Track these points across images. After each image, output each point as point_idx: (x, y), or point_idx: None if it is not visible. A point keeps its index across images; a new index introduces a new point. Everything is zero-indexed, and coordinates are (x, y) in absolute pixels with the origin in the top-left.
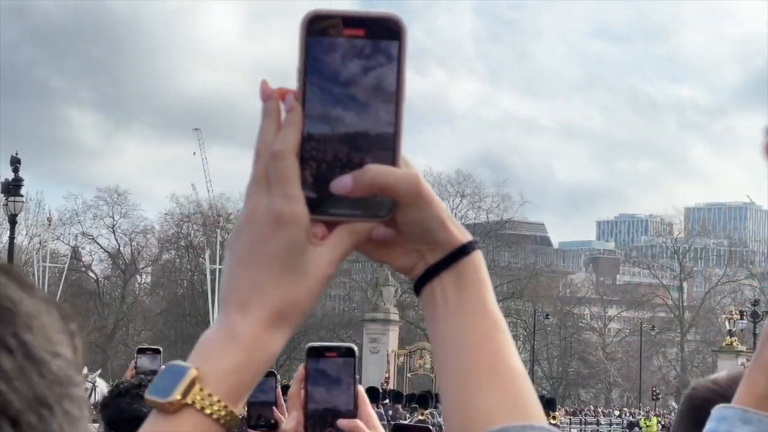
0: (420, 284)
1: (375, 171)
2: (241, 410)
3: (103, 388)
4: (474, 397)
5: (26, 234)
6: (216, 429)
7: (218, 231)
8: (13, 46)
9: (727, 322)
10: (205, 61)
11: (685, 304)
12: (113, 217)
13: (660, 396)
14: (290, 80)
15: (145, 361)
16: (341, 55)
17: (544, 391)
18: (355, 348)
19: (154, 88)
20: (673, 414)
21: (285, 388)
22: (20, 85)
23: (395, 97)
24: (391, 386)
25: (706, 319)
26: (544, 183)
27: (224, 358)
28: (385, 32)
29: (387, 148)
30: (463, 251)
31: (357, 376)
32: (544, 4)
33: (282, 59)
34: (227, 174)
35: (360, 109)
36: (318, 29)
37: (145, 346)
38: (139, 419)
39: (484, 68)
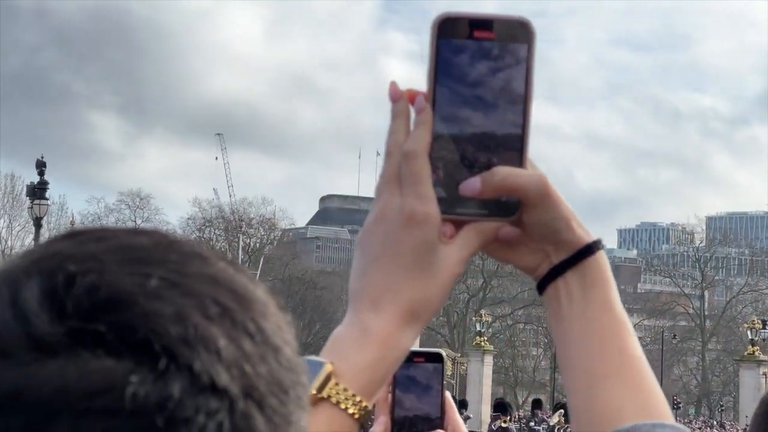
0: (544, 283)
1: (504, 173)
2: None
3: None
4: (602, 396)
5: (49, 236)
6: (350, 423)
7: (240, 236)
8: (34, 50)
9: (749, 332)
10: (227, 65)
11: (706, 313)
12: (135, 221)
13: (681, 405)
14: (311, 85)
15: None
16: (470, 56)
17: (565, 399)
18: (444, 353)
19: (175, 93)
20: (693, 423)
21: None
22: (43, 88)
23: (523, 98)
24: None
25: (728, 328)
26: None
27: (358, 355)
28: (514, 35)
29: (514, 149)
30: (587, 251)
31: (444, 382)
32: (566, 12)
33: (303, 63)
34: (249, 178)
35: (488, 110)
36: (448, 31)
37: None
38: None
39: None
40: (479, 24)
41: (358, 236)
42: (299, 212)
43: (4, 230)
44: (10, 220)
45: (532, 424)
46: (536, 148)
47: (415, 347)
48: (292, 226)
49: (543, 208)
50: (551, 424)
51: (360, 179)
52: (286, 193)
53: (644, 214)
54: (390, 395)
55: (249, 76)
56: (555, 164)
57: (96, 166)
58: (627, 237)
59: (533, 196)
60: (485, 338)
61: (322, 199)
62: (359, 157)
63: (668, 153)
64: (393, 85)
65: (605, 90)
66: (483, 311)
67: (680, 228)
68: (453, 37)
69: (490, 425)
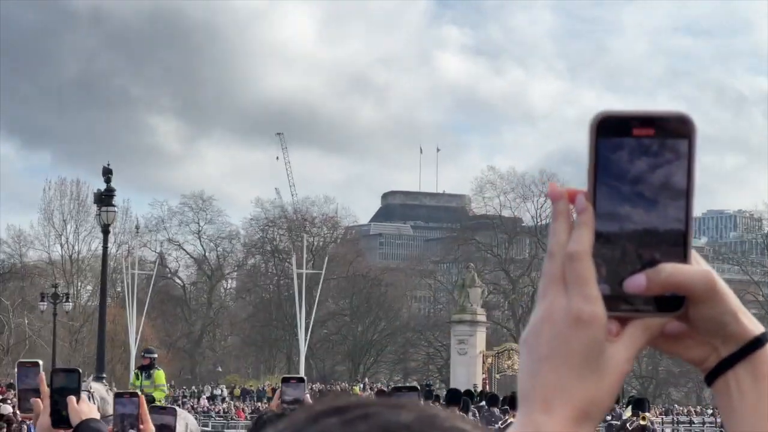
0: (712, 376)
1: (670, 270)
2: None
3: (101, 392)
4: None
5: (114, 242)
6: None
7: (303, 235)
8: (92, 54)
9: None
10: (283, 65)
11: None
12: (198, 223)
13: None
14: (368, 82)
15: (290, 390)
16: (630, 153)
17: (633, 391)
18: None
19: (233, 94)
20: None
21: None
22: (102, 93)
23: (685, 193)
24: (488, 388)
25: None
26: None
27: None
28: (674, 130)
29: (677, 244)
30: (757, 343)
31: None
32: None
33: (359, 61)
34: (310, 177)
35: (649, 207)
36: (607, 130)
37: (290, 375)
38: None
39: (563, 66)
40: (638, 121)
41: (523, 334)
42: (361, 210)
43: (71, 235)
44: (76, 225)
45: (609, 417)
46: None
47: (474, 341)
48: (355, 224)
49: (710, 303)
50: (623, 417)
51: (421, 175)
52: (348, 191)
53: (711, 202)
54: None
55: (306, 75)
56: None
57: (156, 168)
58: (694, 225)
59: (701, 292)
60: None
61: (384, 196)
62: (420, 153)
63: (733, 138)
64: (552, 185)
65: (666, 77)
66: None
67: (748, 215)
68: (612, 135)
69: None
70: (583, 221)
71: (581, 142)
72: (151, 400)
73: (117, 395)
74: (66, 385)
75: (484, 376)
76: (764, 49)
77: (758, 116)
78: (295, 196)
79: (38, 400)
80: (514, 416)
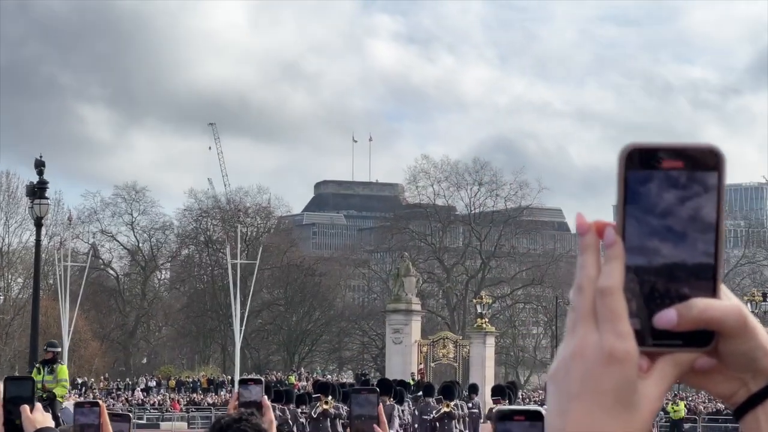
0: (742, 411)
1: (701, 306)
2: None
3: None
4: None
5: (46, 233)
6: None
7: (237, 225)
8: (18, 43)
9: (749, 304)
10: (213, 53)
11: None
12: (132, 214)
13: None
14: (299, 70)
15: (246, 393)
16: (659, 186)
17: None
18: (543, 411)
19: (164, 83)
20: (699, 396)
21: (323, 386)
22: (29, 81)
23: (714, 227)
24: (426, 378)
25: None
26: (559, 168)
27: None
28: (703, 163)
29: (707, 278)
30: None
31: None
32: None
33: (290, 49)
34: (243, 167)
35: (678, 240)
36: (636, 162)
37: (247, 376)
38: None
39: (493, 53)
40: (667, 153)
41: (551, 370)
42: (294, 199)
43: (1, 227)
44: (6, 217)
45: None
46: (528, 125)
47: (409, 330)
48: (288, 214)
49: (741, 338)
50: None
51: (354, 163)
52: (281, 181)
53: None
54: None
55: (237, 64)
56: (548, 140)
57: (87, 158)
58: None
59: (732, 328)
60: (486, 320)
61: (317, 185)
62: (353, 141)
63: (660, 126)
64: (580, 217)
65: (595, 65)
66: (483, 292)
67: None
68: (641, 167)
69: (489, 410)
70: (614, 255)
71: (513, 129)
72: (51, 396)
73: (77, 405)
74: (19, 394)
75: (420, 365)
76: (690, 37)
77: (684, 104)
78: (228, 186)
79: None
80: (447, 405)
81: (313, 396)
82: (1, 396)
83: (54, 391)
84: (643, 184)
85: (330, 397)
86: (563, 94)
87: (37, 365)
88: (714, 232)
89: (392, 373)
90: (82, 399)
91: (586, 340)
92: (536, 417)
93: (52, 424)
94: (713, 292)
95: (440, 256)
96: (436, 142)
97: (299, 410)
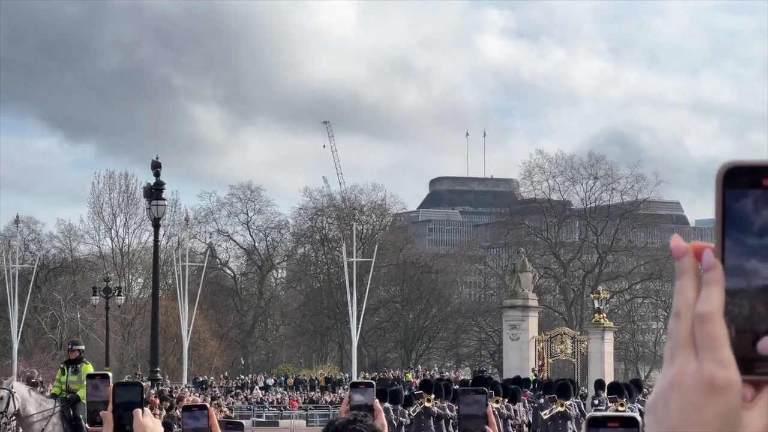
0: None
1: None
2: None
3: (23, 393)
4: None
5: (164, 234)
6: None
7: (353, 223)
8: (132, 46)
9: None
10: (323, 51)
11: None
12: (247, 214)
13: None
14: (410, 66)
15: (358, 396)
16: (758, 206)
17: None
18: (639, 419)
19: (274, 81)
20: None
21: (425, 384)
22: (142, 84)
23: None
24: (544, 375)
25: None
26: (676, 160)
27: None
28: None
29: None
30: None
31: None
32: None
33: (400, 45)
34: (356, 164)
35: None
36: (735, 181)
37: (359, 380)
38: None
39: (604, 46)
40: (766, 171)
41: (649, 400)
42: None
43: (121, 229)
44: (126, 218)
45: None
46: (642, 117)
47: (526, 326)
48: (404, 211)
49: None
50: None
51: (468, 159)
52: (395, 178)
53: None
54: None
55: (347, 61)
56: (663, 133)
57: (201, 158)
58: None
59: None
60: (604, 315)
61: (432, 182)
62: (467, 136)
63: None
64: (676, 239)
65: (710, 55)
66: (600, 287)
67: None
68: (739, 187)
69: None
70: (713, 279)
71: (627, 122)
72: (75, 399)
73: (185, 408)
74: (129, 399)
75: (540, 362)
76: None
77: None
78: (343, 185)
79: (108, 413)
80: (561, 405)
81: (415, 394)
82: (111, 401)
83: (78, 393)
84: (743, 203)
85: (433, 395)
86: (678, 86)
87: (62, 366)
88: None
89: (509, 368)
90: (200, 399)
91: (685, 369)
92: (632, 424)
93: (161, 430)
94: None
95: (556, 251)
96: (548, 136)
97: (408, 410)
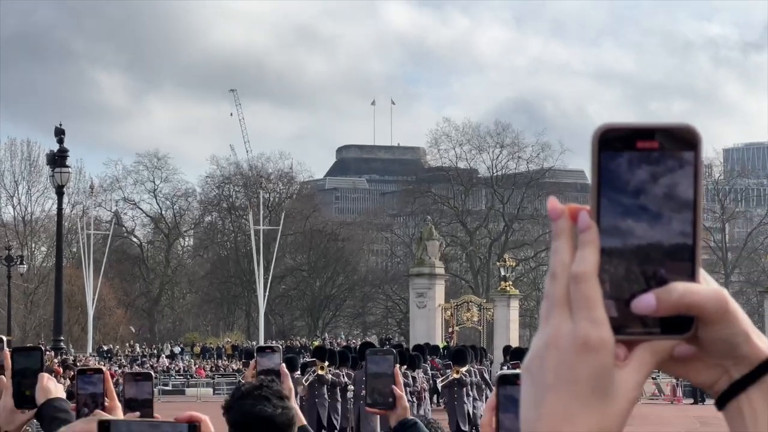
0: (724, 399)
1: (681, 290)
2: None
3: None
4: None
5: (68, 202)
6: None
7: (260, 191)
8: (29, 9)
9: None
10: (227, 18)
11: (728, 245)
12: (154, 182)
13: None
14: (315, 34)
15: (264, 361)
16: (633, 167)
17: None
18: None
19: (179, 48)
20: None
21: (318, 351)
22: (42, 47)
23: (692, 207)
24: (454, 342)
25: (750, 259)
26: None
27: None
28: (678, 142)
29: (684, 259)
30: None
31: None
32: None
33: (305, 13)
34: (262, 131)
35: (653, 220)
36: (610, 143)
37: (264, 344)
38: (263, 420)
39: (508, 14)
40: (641, 134)
41: (525, 361)
42: (316, 164)
43: (23, 196)
44: (28, 186)
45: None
46: (546, 85)
47: (432, 294)
48: (311, 179)
49: (722, 324)
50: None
51: (375, 127)
52: (302, 146)
53: None
54: (494, 418)
55: (251, 28)
56: (566, 101)
57: (106, 125)
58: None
59: (713, 313)
60: (509, 282)
61: (339, 150)
62: (373, 105)
63: (679, 85)
64: (552, 201)
65: (612, 23)
66: (506, 255)
67: None
68: (615, 149)
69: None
70: (588, 240)
71: (531, 90)
72: None
73: (80, 372)
74: (28, 365)
75: (450, 329)
76: None
77: (704, 61)
78: (250, 153)
79: (2, 376)
80: (457, 372)
81: (308, 362)
82: (10, 367)
83: None
84: (617, 165)
85: (326, 363)
86: (581, 54)
87: None
88: (692, 212)
89: (416, 337)
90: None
91: (560, 329)
92: None
93: (63, 394)
94: (692, 275)
95: (463, 219)
96: (454, 104)
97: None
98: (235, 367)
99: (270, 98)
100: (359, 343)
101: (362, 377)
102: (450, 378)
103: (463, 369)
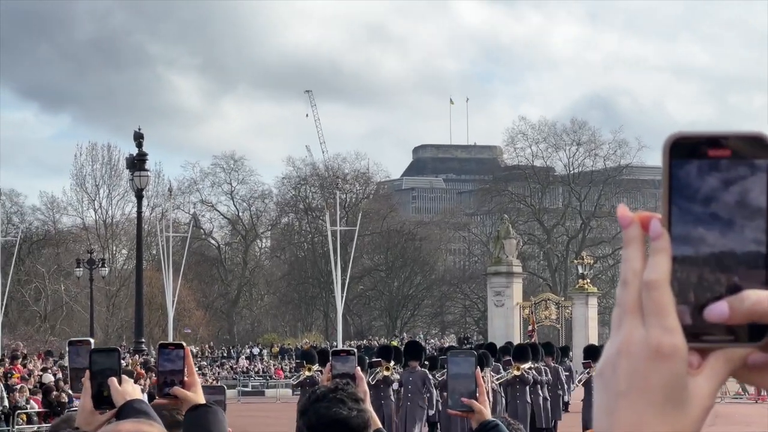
0: None
1: (755, 298)
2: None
3: None
4: None
5: (147, 205)
6: None
7: (336, 192)
8: (105, 14)
9: None
10: (299, 18)
11: None
12: (231, 184)
13: None
14: (387, 33)
15: (339, 364)
16: (705, 175)
17: None
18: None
19: (252, 49)
20: None
21: (383, 351)
22: (118, 52)
23: (765, 214)
24: (535, 339)
25: None
26: (657, 124)
27: None
28: (751, 150)
29: (758, 267)
30: None
31: None
32: None
33: (376, 12)
34: (337, 132)
35: (725, 228)
36: (682, 151)
37: (339, 348)
38: (339, 423)
39: (582, 10)
40: (713, 142)
41: (597, 367)
42: (393, 164)
43: (104, 200)
44: (109, 190)
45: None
46: (622, 81)
47: (510, 292)
48: (387, 179)
49: None
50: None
51: (452, 126)
52: (378, 146)
53: None
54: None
55: (324, 28)
56: (643, 97)
57: (182, 128)
58: None
59: None
60: (587, 280)
61: (415, 150)
62: (451, 103)
63: (760, 77)
64: (622, 209)
65: (688, 17)
66: (584, 253)
67: None
68: (686, 157)
69: (580, 375)
70: (660, 247)
71: (606, 86)
72: None
73: (161, 346)
74: (106, 366)
75: (531, 327)
76: None
77: None
78: (326, 153)
79: (86, 379)
80: (517, 369)
81: (373, 362)
82: (89, 368)
83: None
84: (688, 173)
85: (392, 363)
86: (657, 49)
87: None
88: (764, 219)
89: (494, 335)
90: None
91: (632, 336)
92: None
93: (141, 396)
94: (765, 283)
95: (540, 217)
96: (529, 102)
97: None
98: (314, 368)
99: (344, 98)
100: (437, 342)
101: (408, 376)
102: (509, 375)
103: (525, 366)
